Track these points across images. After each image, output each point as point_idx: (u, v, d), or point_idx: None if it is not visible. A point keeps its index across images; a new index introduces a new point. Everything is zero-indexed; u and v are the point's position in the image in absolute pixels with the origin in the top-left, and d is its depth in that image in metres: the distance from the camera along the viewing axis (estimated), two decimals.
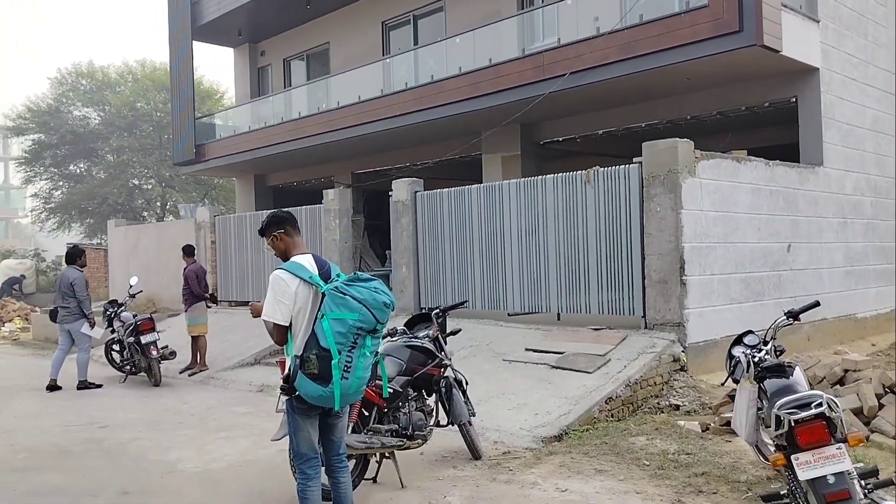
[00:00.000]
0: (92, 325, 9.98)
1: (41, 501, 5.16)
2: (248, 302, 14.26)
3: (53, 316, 10.44)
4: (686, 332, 7.59)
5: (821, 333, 9.56)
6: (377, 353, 4.07)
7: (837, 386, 6.08)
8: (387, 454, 5.22)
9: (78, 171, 32.68)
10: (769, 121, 11.91)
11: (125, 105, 30.77)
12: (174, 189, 31.31)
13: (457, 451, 5.90)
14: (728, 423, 5.59)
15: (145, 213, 32.02)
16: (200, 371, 10.72)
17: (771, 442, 3.67)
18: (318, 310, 3.87)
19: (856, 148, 10.73)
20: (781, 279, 8.95)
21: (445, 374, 5.66)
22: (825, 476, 3.10)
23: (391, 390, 5.08)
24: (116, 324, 10.78)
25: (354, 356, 3.82)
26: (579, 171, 8.72)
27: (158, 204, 32.05)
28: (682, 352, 7.48)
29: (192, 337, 10.88)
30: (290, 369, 3.89)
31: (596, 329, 8.38)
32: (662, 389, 7.18)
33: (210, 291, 11.33)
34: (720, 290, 8.04)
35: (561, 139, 13.42)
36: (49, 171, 32.32)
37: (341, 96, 15.65)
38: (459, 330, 6.34)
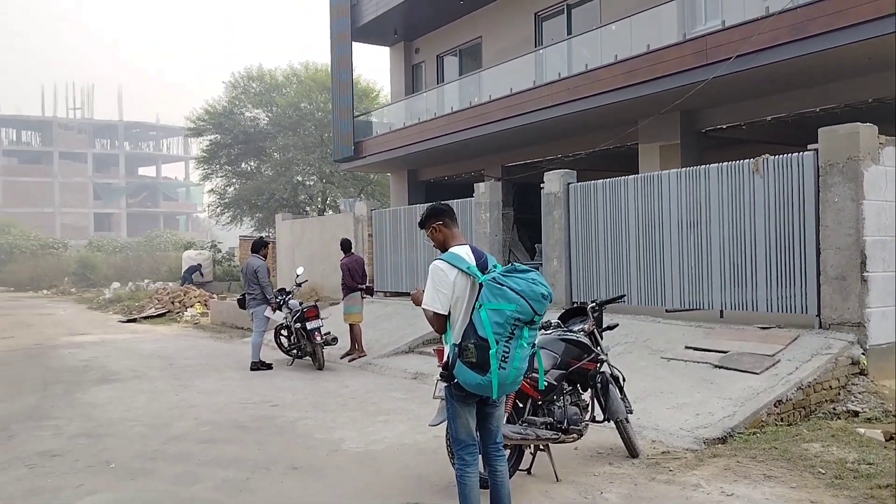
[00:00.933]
0: (274, 310, 10.83)
1: (222, 471, 5.62)
2: (403, 293, 14.76)
3: (242, 303, 11.30)
4: (867, 333, 6.95)
5: None
6: (534, 344, 4.06)
7: None
8: (541, 447, 5.21)
9: (248, 168, 35.20)
10: None
11: (290, 106, 32.73)
12: (333, 185, 32.92)
13: (612, 449, 5.78)
14: None
15: (307, 208, 33.92)
16: (359, 357, 11.23)
17: None
18: (476, 300, 3.93)
19: None
20: None
21: (601, 370, 5.56)
22: None
23: (546, 383, 5.06)
24: (284, 310, 11.54)
25: (512, 346, 3.84)
26: (746, 160, 8.22)
27: (319, 199, 33.86)
28: (863, 354, 6.86)
29: (348, 325, 11.43)
30: (448, 357, 3.98)
31: (764, 328, 7.88)
32: (839, 394, 6.63)
33: (367, 283, 11.83)
34: None
35: (725, 126, 12.72)
36: (224, 169, 35.05)
37: (493, 90, 15.75)
38: (616, 325, 6.19)
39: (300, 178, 33.57)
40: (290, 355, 11.29)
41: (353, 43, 20.34)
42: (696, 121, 12.95)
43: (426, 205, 4.34)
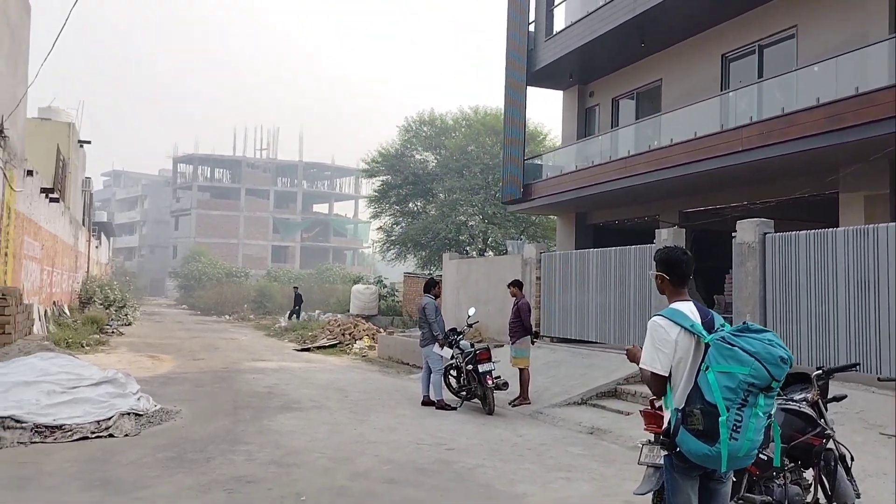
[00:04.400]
0: (442, 346, 10.90)
1: None
2: (570, 339, 14.38)
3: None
4: None
5: None
6: (770, 414, 3.65)
7: None
8: None
9: (415, 208, 36.39)
10: None
11: (458, 149, 33.58)
12: (495, 225, 33.20)
13: None
14: None
15: (468, 248, 34.41)
16: (523, 403, 10.98)
17: None
18: (702, 361, 3.60)
19: None
20: None
21: (828, 446, 4.95)
22: None
23: (765, 457, 4.56)
24: (455, 351, 11.55)
25: (745, 415, 3.46)
26: None
27: (481, 239, 34.24)
28: None
29: (518, 370, 11.23)
30: (670, 423, 3.66)
31: None
32: None
33: (533, 328, 11.62)
34: None
35: None
36: (392, 208, 36.46)
37: (673, 133, 15.18)
38: (845, 396, 5.53)
39: (463, 219, 34.20)
40: (460, 397, 11.24)
41: (528, 87, 20.50)
42: None
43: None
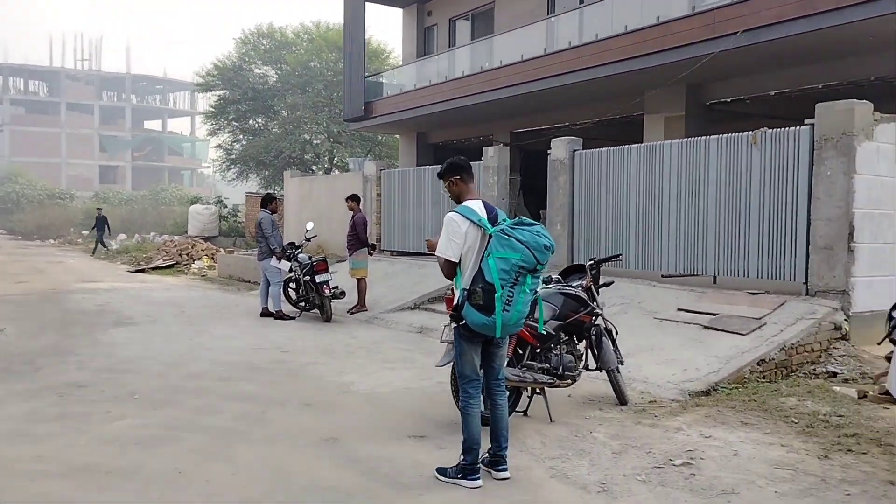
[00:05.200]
0: (279, 259, 11.20)
1: (239, 405, 6.05)
2: (410, 252, 15.16)
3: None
4: (851, 301, 7.34)
5: None
6: (536, 291, 4.45)
7: None
8: (538, 390, 5.63)
9: (256, 125, 35.40)
10: None
11: (300, 64, 32.80)
12: (341, 144, 33.14)
13: (603, 397, 6.20)
14: (888, 393, 5.47)
15: (314, 167, 34.19)
16: (361, 311, 11.65)
17: None
18: (485, 249, 4.30)
19: None
20: None
21: (596, 322, 5.96)
22: None
23: (545, 332, 5.46)
24: (294, 264, 11.91)
25: (515, 292, 4.23)
26: (745, 133, 8.53)
27: (326, 158, 34.10)
28: (845, 320, 7.26)
29: (356, 280, 11.83)
30: (458, 300, 4.36)
31: (753, 293, 8.26)
32: (820, 356, 7.04)
33: (370, 241, 12.21)
34: (892, 261, 7.65)
35: (729, 100, 12.98)
36: (231, 126, 35.25)
37: (504, 55, 15.95)
38: (612, 282, 6.58)
39: (308, 137, 33.79)
40: (298, 308, 11.68)
41: (367, 3, 20.41)
42: (702, 94, 13.19)
43: (445, 161, 4.68)
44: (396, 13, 22.43)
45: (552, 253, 4.34)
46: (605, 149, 10.54)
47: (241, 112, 34.49)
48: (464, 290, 4.34)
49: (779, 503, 3.96)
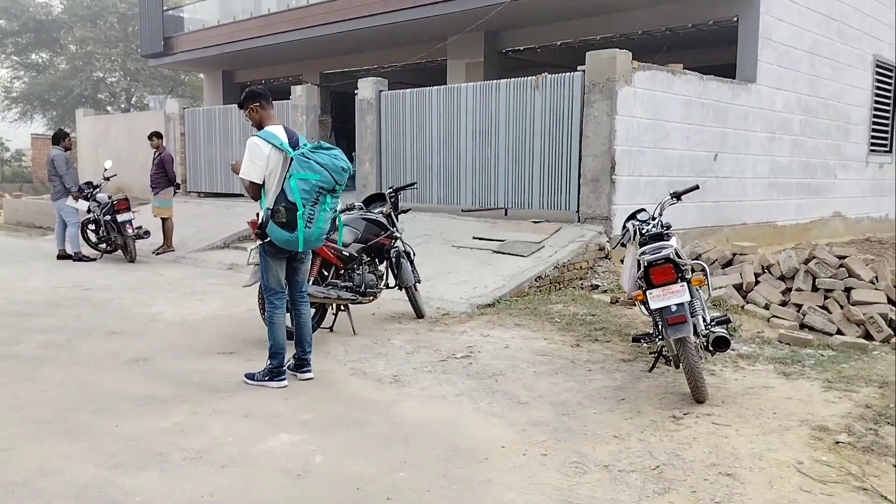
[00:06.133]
0: (76, 199, 10.68)
1: (43, 336, 6.01)
2: (217, 193, 14.95)
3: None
4: (612, 225, 8.57)
5: (740, 237, 10.64)
6: (336, 210, 4.92)
7: (727, 267, 7.13)
8: (342, 307, 6.15)
9: (40, 61, 32.13)
10: (714, 40, 12.66)
11: None
12: (140, 83, 31.09)
13: (403, 314, 6.87)
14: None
15: (109, 107, 31.83)
16: (167, 251, 11.48)
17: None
18: (287, 171, 4.68)
19: (790, 68, 11.56)
20: (706, 185, 9.92)
21: (395, 245, 6.56)
22: (670, 305, 4.09)
23: (347, 254, 5.97)
24: (92, 204, 11.39)
25: (316, 210, 4.67)
26: (530, 77, 9.45)
27: (123, 97, 31.84)
28: (607, 241, 8.48)
29: (161, 220, 11.59)
30: (263, 219, 4.73)
31: (536, 222, 9.32)
32: (587, 273, 8.21)
33: (177, 180, 11.98)
34: (647, 190, 8.99)
35: (522, 48, 14.01)
36: (10, 60, 31.72)
37: None
38: (409, 209, 7.23)
39: (101, 75, 31.29)
40: (99, 250, 11.25)
41: None
42: (499, 42, 14.12)
43: (244, 94, 4.96)
44: None
45: (349, 174, 4.82)
46: (408, 90, 11.11)
47: (22, 45, 31.10)
48: (268, 209, 4.70)
49: (536, 380, 4.83)
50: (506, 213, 10.22)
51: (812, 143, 12.35)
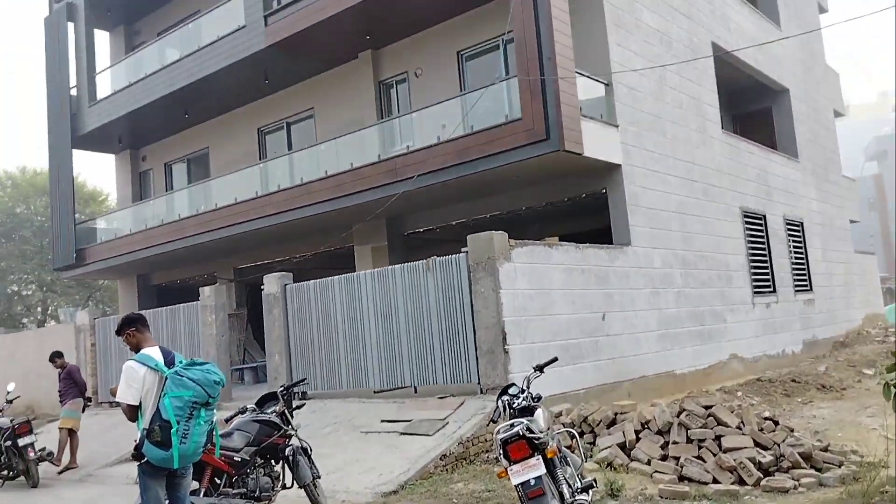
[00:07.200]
0: None
1: None
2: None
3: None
4: None
5: (641, 390, 11.07)
6: (211, 422, 5.07)
7: (612, 426, 7.44)
8: None
9: None
10: (590, 209, 13.81)
11: (4, 211, 30.44)
12: (56, 293, 30.84)
13: None
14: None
15: (25, 320, 31.23)
16: (70, 469, 11.04)
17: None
18: (162, 390, 4.87)
19: (662, 228, 12.66)
20: (599, 344, 10.47)
21: (290, 443, 6.64)
22: (528, 479, 4.32)
23: (239, 459, 6.03)
24: None
25: (191, 425, 4.83)
26: (421, 262, 10.07)
27: (39, 309, 31.39)
28: None
29: (67, 431, 11.21)
30: (139, 440, 4.83)
31: (441, 397, 9.55)
32: (492, 445, 8.36)
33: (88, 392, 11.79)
34: (540, 356, 9.32)
35: (422, 230, 14.89)
36: None
37: (221, 198, 16.63)
38: (304, 404, 7.40)
39: (16, 288, 30.98)
40: (1, 477, 10.76)
41: (75, 150, 20.05)
42: (400, 225, 15.00)
43: (121, 321, 5.24)
44: (110, 158, 22.23)
45: (222, 386, 5.03)
46: (312, 281, 11.56)
47: None
48: (144, 429, 4.82)
49: None
50: (415, 391, 10.41)
51: (696, 292, 13.26)
